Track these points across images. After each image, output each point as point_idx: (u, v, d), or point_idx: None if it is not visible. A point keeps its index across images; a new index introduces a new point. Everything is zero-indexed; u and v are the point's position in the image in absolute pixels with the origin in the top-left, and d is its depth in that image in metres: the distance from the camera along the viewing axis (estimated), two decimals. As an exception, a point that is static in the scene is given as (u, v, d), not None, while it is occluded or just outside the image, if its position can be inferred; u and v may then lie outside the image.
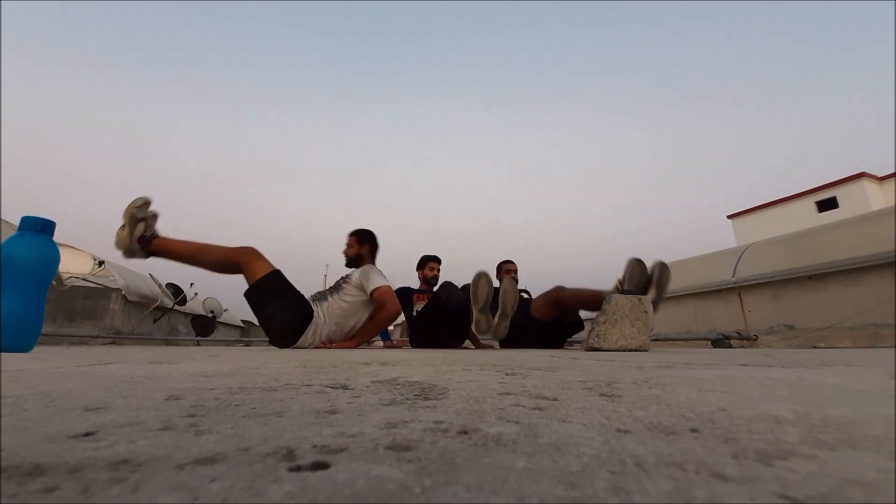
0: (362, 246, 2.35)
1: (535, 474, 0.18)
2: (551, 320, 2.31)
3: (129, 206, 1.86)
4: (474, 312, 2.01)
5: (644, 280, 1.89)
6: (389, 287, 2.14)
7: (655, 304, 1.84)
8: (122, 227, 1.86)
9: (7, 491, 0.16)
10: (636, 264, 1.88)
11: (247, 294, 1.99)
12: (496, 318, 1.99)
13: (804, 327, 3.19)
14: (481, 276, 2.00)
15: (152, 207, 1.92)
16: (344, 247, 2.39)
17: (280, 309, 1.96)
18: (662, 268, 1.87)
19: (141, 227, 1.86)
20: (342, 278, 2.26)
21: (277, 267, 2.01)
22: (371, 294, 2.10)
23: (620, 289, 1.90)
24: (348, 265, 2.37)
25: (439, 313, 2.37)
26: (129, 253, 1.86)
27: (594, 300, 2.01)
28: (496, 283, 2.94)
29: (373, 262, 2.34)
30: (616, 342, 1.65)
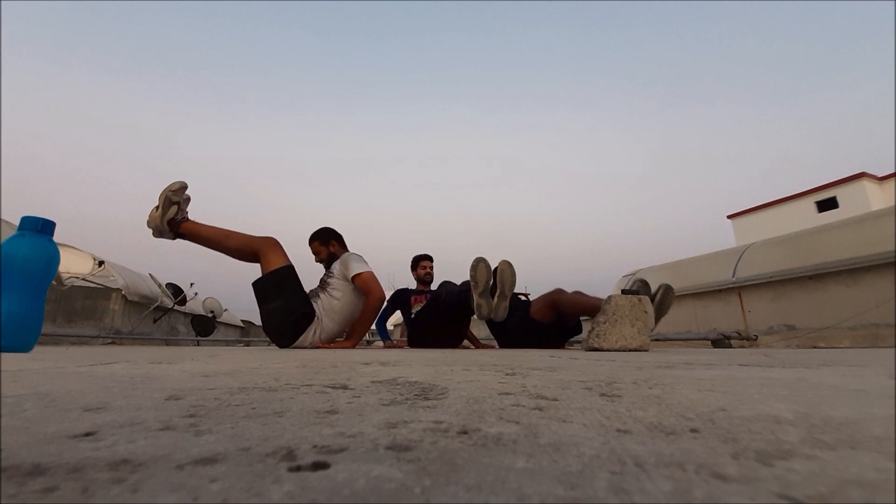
0: (329, 245, 2.33)
1: (535, 474, 0.18)
2: (550, 322, 2.35)
3: (165, 188, 1.90)
4: (475, 297, 1.98)
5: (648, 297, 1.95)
6: (370, 272, 2.09)
7: (654, 322, 1.89)
8: (156, 207, 1.90)
9: (7, 491, 0.16)
10: (640, 284, 1.93)
11: (254, 284, 1.99)
12: (495, 300, 1.97)
13: (804, 327, 3.19)
14: (480, 262, 1.99)
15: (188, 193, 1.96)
16: (313, 257, 2.35)
17: (282, 305, 1.95)
18: (667, 290, 1.91)
19: (173, 209, 1.90)
20: (325, 274, 2.24)
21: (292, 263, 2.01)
22: (353, 280, 2.07)
23: None
24: (326, 267, 2.33)
25: (439, 310, 2.37)
26: (158, 233, 1.91)
27: (591, 309, 2.03)
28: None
29: (347, 251, 2.31)
30: (616, 342, 1.65)
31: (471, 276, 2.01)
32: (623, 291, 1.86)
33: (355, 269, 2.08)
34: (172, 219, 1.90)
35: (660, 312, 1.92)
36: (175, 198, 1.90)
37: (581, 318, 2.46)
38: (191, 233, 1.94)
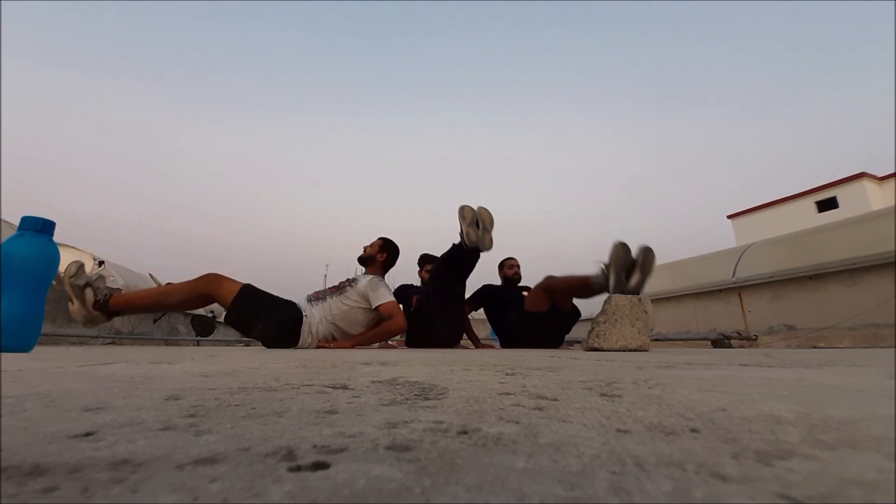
0: (381, 253, 2.35)
1: (536, 474, 0.18)
2: (546, 311, 2.40)
3: (63, 278, 1.74)
4: (464, 228, 2.31)
5: (629, 264, 1.89)
6: (396, 303, 2.15)
7: (640, 287, 1.87)
8: (70, 301, 1.75)
9: (7, 491, 0.16)
10: (621, 248, 1.90)
11: (226, 320, 1.97)
12: (481, 232, 2.30)
13: (804, 327, 3.19)
14: (464, 206, 2.38)
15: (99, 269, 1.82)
16: (367, 244, 2.40)
17: (265, 323, 1.93)
18: (647, 252, 1.89)
19: (89, 293, 1.75)
20: (348, 281, 2.24)
21: (247, 281, 1.98)
22: (377, 308, 2.10)
23: (605, 272, 1.94)
24: (359, 260, 2.38)
25: (441, 276, 2.46)
26: (90, 322, 1.76)
27: (582, 285, 2.16)
28: (498, 283, 2.99)
29: (382, 275, 2.35)
30: (616, 342, 1.65)
31: (459, 214, 2.38)
32: (607, 283, 1.87)
33: (383, 297, 2.11)
34: (96, 301, 1.74)
35: (644, 274, 1.88)
36: (80, 281, 1.74)
37: (585, 319, 2.48)
38: (124, 306, 1.82)
